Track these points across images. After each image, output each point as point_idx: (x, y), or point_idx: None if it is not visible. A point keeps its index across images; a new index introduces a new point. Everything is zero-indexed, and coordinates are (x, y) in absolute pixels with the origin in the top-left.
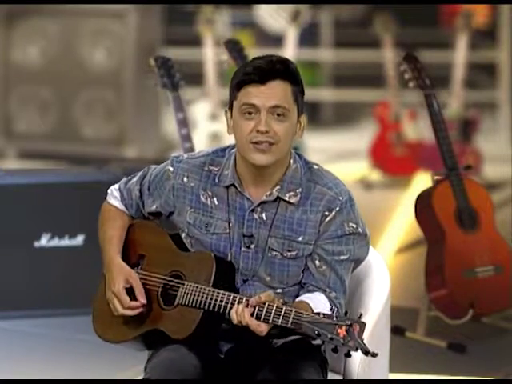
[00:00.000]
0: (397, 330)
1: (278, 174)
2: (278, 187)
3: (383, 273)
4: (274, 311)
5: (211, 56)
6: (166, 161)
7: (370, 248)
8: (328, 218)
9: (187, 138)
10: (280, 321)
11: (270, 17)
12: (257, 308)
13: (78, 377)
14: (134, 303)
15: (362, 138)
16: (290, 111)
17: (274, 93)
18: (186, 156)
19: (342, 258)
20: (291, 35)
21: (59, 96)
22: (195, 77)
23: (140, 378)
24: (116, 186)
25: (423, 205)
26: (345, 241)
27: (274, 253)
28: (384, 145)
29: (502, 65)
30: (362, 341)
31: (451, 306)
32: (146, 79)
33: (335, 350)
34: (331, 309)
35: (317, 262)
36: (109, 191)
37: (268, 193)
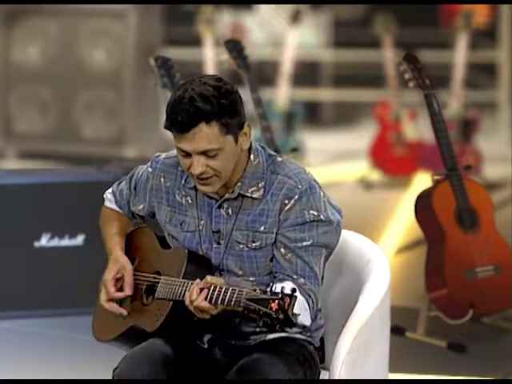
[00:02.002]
0: (397, 330)
1: (237, 173)
2: (238, 184)
3: (383, 273)
4: (222, 293)
5: (211, 56)
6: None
7: (370, 242)
8: (287, 207)
9: None
10: (226, 301)
11: (271, 17)
12: (209, 292)
13: (77, 377)
14: (117, 294)
15: (362, 138)
16: (223, 146)
17: (199, 138)
18: (163, 156)
19: (304, 244)
20: (291, 35)
21: (59, 96)
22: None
23: None
24: (110, 189)
25: (423, 205)
26: (307, 228)
27: (241, 245)
28: (384, 145)
29: (502, 65)
30: (293, 314)
31: (451, 306)
32: (146, 79)
33: (272, 325)
34: (301, 294)
35: (282, 249)
36: (104, 196)
37: (230, 190)
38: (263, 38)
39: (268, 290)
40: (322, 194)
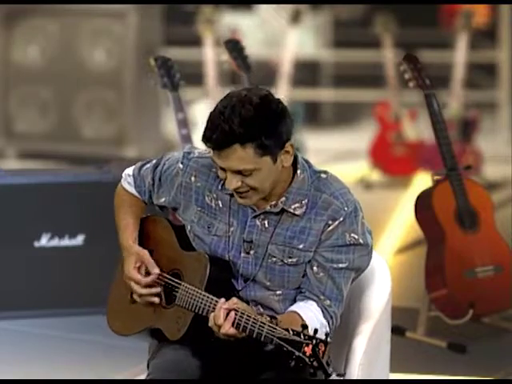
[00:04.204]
0: (397, 330)
1: (282, 187)
2: (283, 198)
3: (384, 273)
4: (250, 323)
5: (211, 56)
6: (180, 151)
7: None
8: (330, 227)
9: (187, 138)
10: (255, 334)
11: (271, 17)
12: (237, 317)
13: (78, 377)
14: (147, 279)
15: (362, 138)
16: (259, 167)
17: (233, 159)
18: (197, 153)
19: (340, 265)
20: (291, 35)
21: (59, 96)
22: (195, 77)
23: (140, 377)
24: (130, 170)
25: (423, 205)
26: (345, 250)
27: (274, 259)
28: (384, 145)
29: (502, 65)
30: (327, 362)
31: (451, 306)
32: (146, 79)
33: (302, 368)
34: (324, 317)
35: (315, 268)
36: (123, 175)
37: (273, 203)
38: (263, 38)
39: (300, 330)
40: (362, 215)
